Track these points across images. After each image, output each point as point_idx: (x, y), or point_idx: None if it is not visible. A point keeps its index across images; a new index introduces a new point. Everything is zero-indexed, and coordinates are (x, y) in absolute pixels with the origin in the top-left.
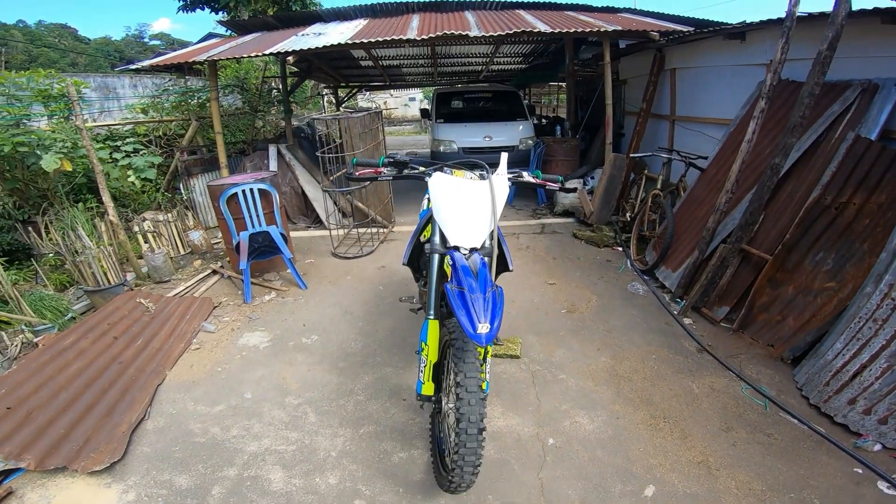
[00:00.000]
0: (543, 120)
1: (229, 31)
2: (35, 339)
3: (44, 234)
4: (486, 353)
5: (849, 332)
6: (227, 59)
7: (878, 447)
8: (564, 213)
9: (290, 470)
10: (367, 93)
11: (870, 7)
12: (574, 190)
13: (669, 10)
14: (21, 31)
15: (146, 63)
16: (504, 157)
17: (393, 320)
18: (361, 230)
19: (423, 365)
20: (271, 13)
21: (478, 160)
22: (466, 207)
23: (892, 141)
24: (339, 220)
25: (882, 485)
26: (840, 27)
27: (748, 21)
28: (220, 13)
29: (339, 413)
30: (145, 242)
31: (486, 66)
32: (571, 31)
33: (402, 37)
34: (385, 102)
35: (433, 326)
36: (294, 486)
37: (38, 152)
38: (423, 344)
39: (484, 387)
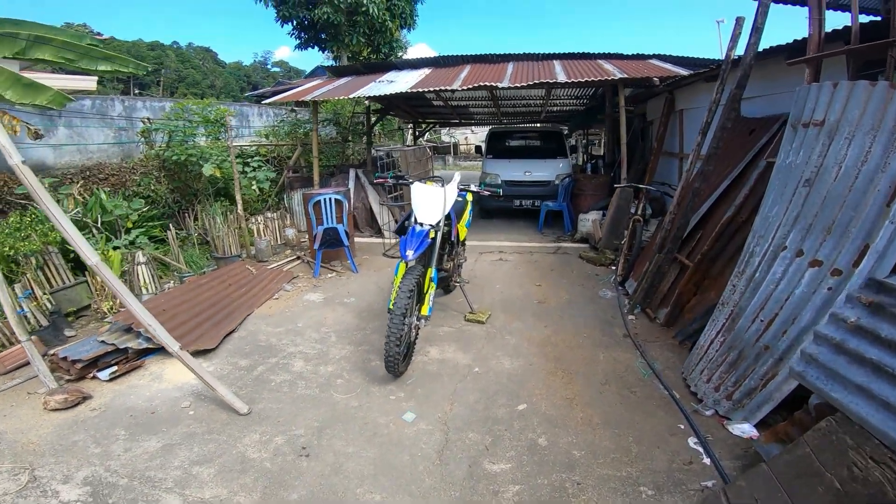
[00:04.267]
0: (597, 159)
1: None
2: (184, 278)
3: (192, 221)
4: (429, 289)
5: (713, 318)
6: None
7: (710, 412)
8: (581, 240)
9: (307, 362)
10: (448, 129)
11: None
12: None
13: None
14: (174, 52)
15: (270, 100)
16: (457, 175)
17: None
18: None
19: (392, 288)
20: (365, 53)
21: (439, 177)
22: (427, 202)
23: None
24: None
25: (692, 440)
26: (749, 67)
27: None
28: (326, 52)
29: (350, 338)
30: (257, 234)
31: (544, 108)
32: (585, 80)
33: (447, 87)
34: (465, 137)
35: (402, 266)
36: (306, 369)
37: (201, 162)
38: (395, 276)
39: (425, 311)
